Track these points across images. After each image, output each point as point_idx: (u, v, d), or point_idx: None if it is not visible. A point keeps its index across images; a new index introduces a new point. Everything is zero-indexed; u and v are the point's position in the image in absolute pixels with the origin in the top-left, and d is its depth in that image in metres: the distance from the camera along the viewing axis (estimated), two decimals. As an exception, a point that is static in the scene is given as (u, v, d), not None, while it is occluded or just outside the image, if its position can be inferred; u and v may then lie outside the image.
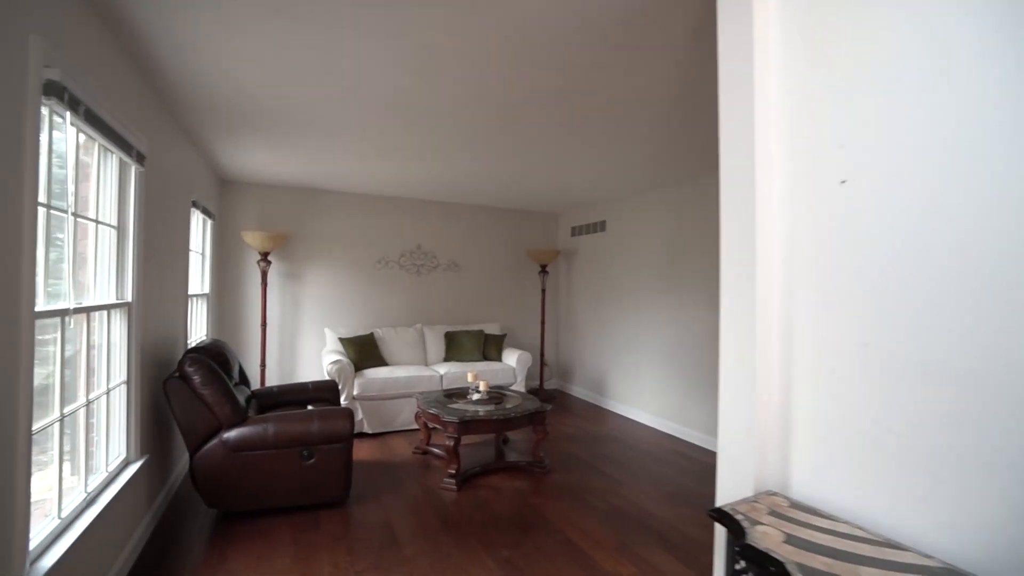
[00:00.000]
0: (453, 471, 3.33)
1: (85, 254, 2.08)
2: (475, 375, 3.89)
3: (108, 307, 2.14)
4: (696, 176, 4.35)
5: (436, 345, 5.42)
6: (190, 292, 3.74)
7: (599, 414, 5.32)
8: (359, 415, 4.41)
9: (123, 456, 2.30)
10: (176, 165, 3.15)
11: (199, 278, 4.29)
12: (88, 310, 1.92)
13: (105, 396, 2.18)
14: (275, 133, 3.31)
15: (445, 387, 4.80)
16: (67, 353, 1.89)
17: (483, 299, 6.19)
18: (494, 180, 4.70)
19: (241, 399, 3.03)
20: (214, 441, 2.64)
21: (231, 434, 2.66)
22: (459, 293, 6.05)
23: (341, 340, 4.86)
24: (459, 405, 3.63)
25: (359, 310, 5.52)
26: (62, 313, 1.67)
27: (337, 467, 2.87)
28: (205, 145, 3.62)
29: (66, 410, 1.77)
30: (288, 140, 3.47)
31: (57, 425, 1.70)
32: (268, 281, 5.08)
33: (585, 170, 4.20)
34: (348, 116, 2.95)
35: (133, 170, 2.36)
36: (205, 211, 4.02)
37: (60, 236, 1.78)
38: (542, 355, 6.14)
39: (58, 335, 1.70)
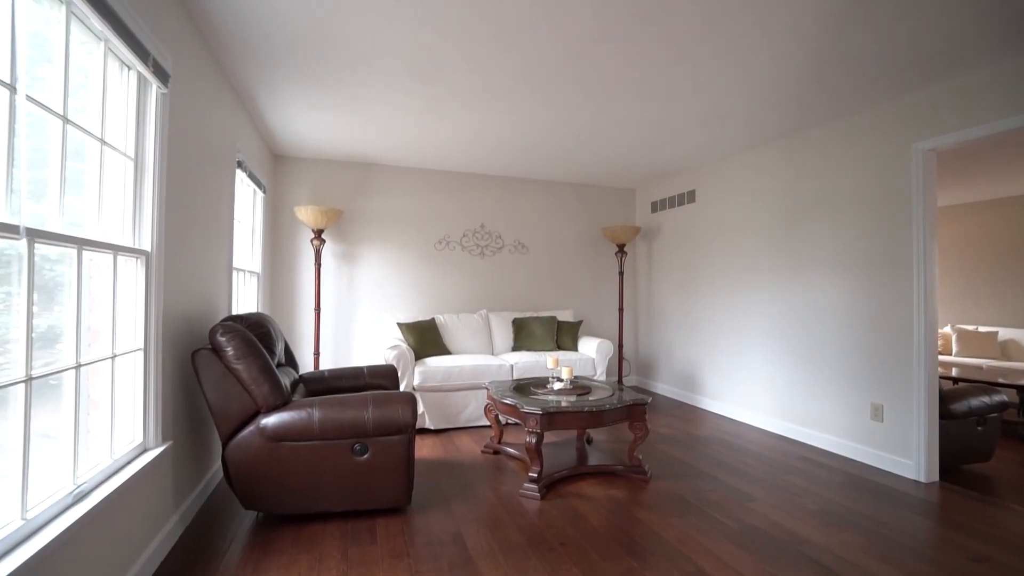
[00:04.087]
0: (535, 474, 2.70)
1: (85, 181, 1.64)
2: (556, 360, 3.26)
3: (114, 249, 1.69)
4: (818, 123, 3.50)
5: (503, 333, 4.84)
6: (236, 265, 3.36)
7: (692, 413, 4.52)
8: (420, 408, 3.88)
9: (137, 441, 1.85)
10: (215, 109, 2.75)
11: (248, 253, 3.95)
12: (70, 243, 1.46)
13: (110, 364, 1.73)
14: (321, 75, 2.85)
15: (516, 378, 4.20)
16: (62, 297, 1.44)
17: (553, 284, 5.55)
18: (565, 146, 4.06)
19: (286, 381, 2.56)
20: (250, 428, 2.16)
21: (270, 420, 2.17)
22: (527, 277, 5.45)
23: (400, 326, 4.38)
24: (540, 395, 3.01)
25: (418, 294, 5.04)
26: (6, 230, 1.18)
27: (396, 464, 2.32)
28: (246, 92, 3.23)
29: (37, 370, 1.30)
30: (337, 86, 3.01)
31: (22, 389, 1.23)
32: (322, 261, 4.71)
33: (673, 124, 3.47)
34: (400, 42, 2.42)
35: (154, 91, 1.92)
36: (254, 179, 3.66)
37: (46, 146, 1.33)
38: (620, 346, 5.40)
39: (23, 266, 1.24)
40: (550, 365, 3.24)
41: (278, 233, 4.63)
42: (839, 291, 3.46)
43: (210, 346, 2.17)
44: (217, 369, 2.12)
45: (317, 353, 4.47)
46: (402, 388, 3.83)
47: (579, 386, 3.21)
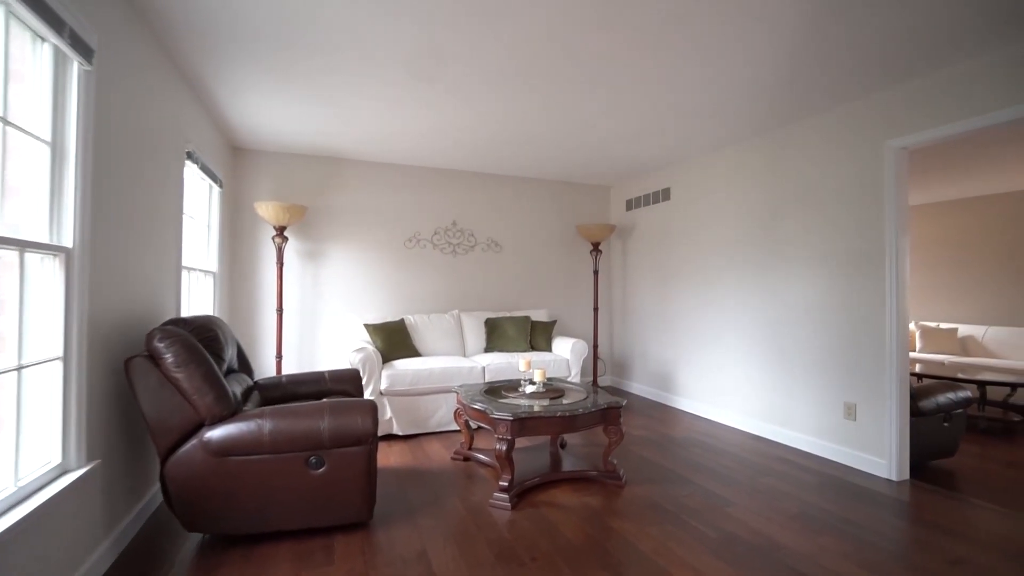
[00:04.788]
0: (506, 483, 2.57)
1: (-14, 167, 1.43)
2: (528, 362, 3.14)
3: (20, 245, 1.48)
4: (793, 120, 3.48)
5: (475, 333, 4.69)
6: (186, 264, 3.13)
7: (668, 414, 4.47)
8: (387, 413, 3.71)
9: (54, 463, 1.65)
10: (159, 95, 2.52)
11: (204, 251, 3.70)
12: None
13: (15, 376, 1.52)
14: (280, 64, 2.66)
15: (488, 380, 4.06)
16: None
17: (527, 283, 5.44)
18: (537, 142, 3.94)
19: (237, 389, 2.37)
20: (192, 442, 1.97)
21: (215, 433, 1.98)
22: (500, 276, 5.32)
23: (367, 327, 4.20)
24: (511, 399, 2.88)
25: (387, 294, 4.85)
26: None
27: (356, 478, 2.16)
28: (197, 79, 3.00)
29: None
30: (297, 76, 2.81)
31: None
32: (285, 260, 4.48)
33: (647, 120, 3.39)
34: (363, 31, 2.26)
35: (75, 68, 1.72)
36: (209, 172, 3.42)
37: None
38: (595, 346, 5.33)
39: None
40: (522, 368, 3.12)
41: (238, 230, 4.38)
42: (813, 289, 3.44)
43: (147, 353, 1.96)
44: (154, 378, 1.92)
45: (280, 357, 4.24)
46: (368, 392, 3.65)
47: (552, 389, 3.10)
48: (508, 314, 4.93)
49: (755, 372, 3.88)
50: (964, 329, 5.77)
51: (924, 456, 3.20)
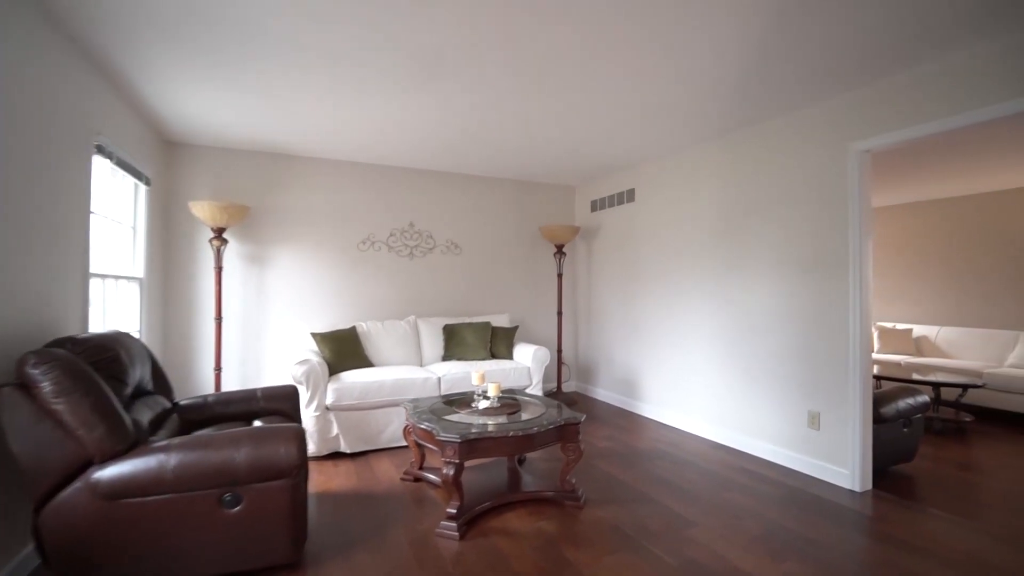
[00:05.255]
0: (454, 510, 2.37)
1: None
2: (482, 375, 2.93)
3: None
4: (757, 121, 3.39)
5: (433, 341, 4.46)
6: (97, 270, 2.80)
7: (633, 422, 4.35)
8: (333, 430, 3.45)
9: None
10: (52, 79, 2.20)
11: (130, 255, 3.36)
12: None
13: None
14: (207, 47, 2.37)
15: (444, 392, 3.85)
16: None
17: (489, 287, 5.23)
18: (497, 139, 3.73)
19: (145, 416, 2.08)
20: (76, 485, 1.68)
21: (106, 472, 1.70)
22: (461, 279, 5.10)
23: (315, 336, 3.91)
24: (461, 416, 2.68)
25: (339, 300, 4.57)
26: None
27: (279, 515, 1.91)
28: (109, 63, 2.68)
29: None
30: (230, 62, 2.53)
31: None
32: (225, 264, 4.15)
33: (610, 118, 3.24)
34: (299, 14, 2.01)
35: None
36: (130, 168, 3.09)
37: None
38: (559, 352, 5.17)
39: None
40: (475, 381, 2.91)
41: (172, 232, 4.02)
42: (776, 294, 3.36)
43: (18, 382, 1.67)
44: (26, 412, 1.63)
45: (219, 369, 3.90)
46: (312, 408, 3.38)
47: (508, 403, 2.91)
48: (468, 320, 4.71)
49: (720, 379, 3.79)
50: (918, 330, 5.88)
51: (885, 462, 3.16)
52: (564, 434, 2.62)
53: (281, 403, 2.74)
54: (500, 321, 4.82)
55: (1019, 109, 2.24)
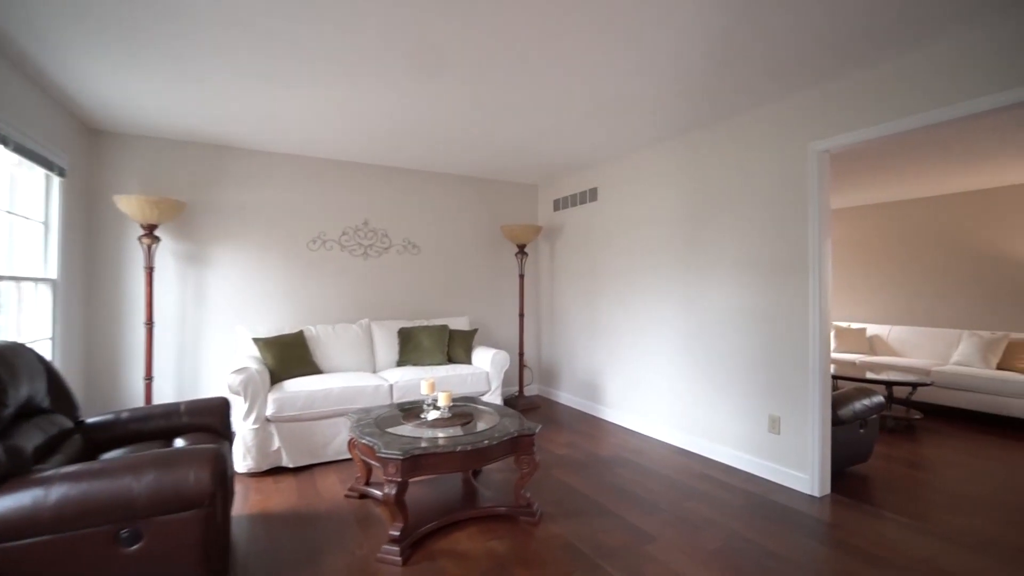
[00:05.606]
0: (397, 532, 2.18)
1: None
2: (432, 384, 2.75)
3: None
4: (718, 119, 3.33)
5: (387, 345, 4.24)
6: (-8, 271, 2.48)
7: (595, 426, 4.25)
8: (274, 443, 3.19)
9: None
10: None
11: (41, 254, 3.02)
12: None
13: None
14: (121, 22, 2.10)
15: (398, 400, 3.64)
16: None
17: (448, 288, 5.04)
18: (455, 134, 3.55)
19: (32, 441, 1.81)
20: (-72, 527, 1.42)
21: (-31, 510, 1.44)
22: (418, 281, 4.89)
23: (256, 342, 3.63)
24: (407, 429, 2.48)
25: (286, 302, 4.29)
26: None
27: (189, 552, 1.68)
28: (6, 38, 2.37)
29: None
30: (154, 41, 2.25)
31: None
32: (158, 264, 3.82)
33: (571, 113, 3.11)
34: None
35: None
36: (36, 158, 2.76)
37: None
38: (521, 355, 5.03)
39: None
40: (424, 390, 2.72)
41: (95, 229, 3.66)
42: (737, 296, 3.31)
43: None
44: None
45: (150, 379, 3.58)
46: (250, 421, 3.11)
47: (460, 413, 2.73)
48: (425, 323, 4.51)
49: (682, 383, 3.72)
50: (872, 329, 6.02)
51: (842, 464, 3.15)
52: (518, 446, 2.46)
53: (208, 417, 2.48)
54: (459, 324, 4.63)
55: (969, 112, 2.22)
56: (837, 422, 3.03)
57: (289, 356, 3.67)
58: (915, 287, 5.88)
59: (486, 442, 2.28)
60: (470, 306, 5.14)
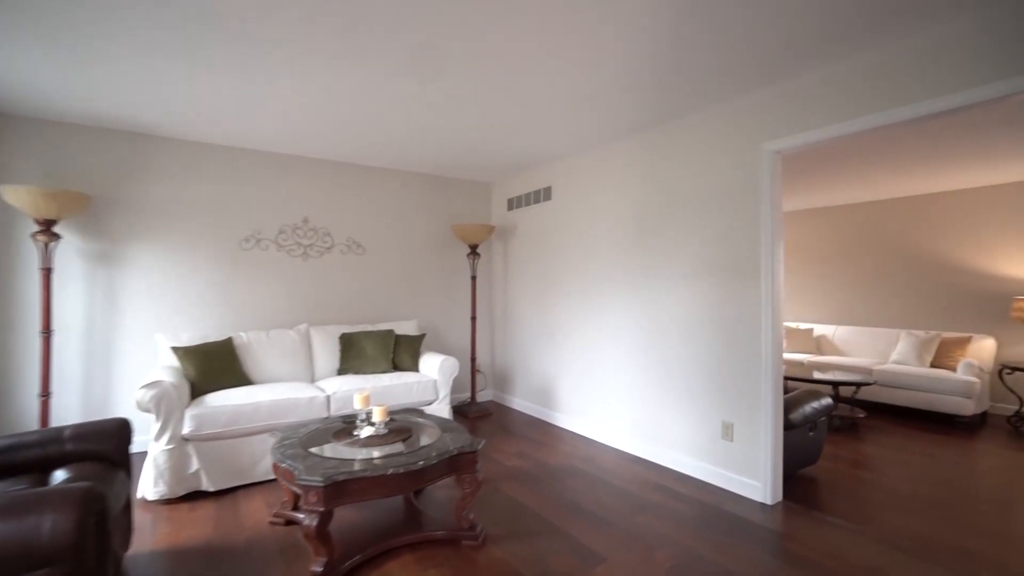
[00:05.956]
0: (319, 568, 1.94)
1: None
2: (366, 397, 2.50)
3: None
4: (672, 117, 3.25)
5: (327, 352, 3.95)
6: None
7: (549, 434, 4.10)
8: (193, 465, 2.86)
9: None
10: None
11: None
12: None
13: None
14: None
15: (336, 412, 3.37)
16: None
17: (396, 290, 4.78)
18: (401, 128, 3.31)
19: None
20: None
21: None
22: (363, 283, 4.60)
23: (176, 351, 3.27)
24: (335, 450, 2.24)
25: (215, 307, 3.92)
26: None
27: (48, 614, 1.39)
28: None
29: None
30: (40, 9, 1.92)
31: None
32: (59, 265, 3.40)
33: (523, 108, 2.95)
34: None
35: None
36: None
37: None
38: (473, 360, 4.83)
39: None
40: (358, 404, 2.48)
41: (-23, 224, 3.21)
42: (691, 299, 3.23)
43: None
44: None
45: (46, 396, 3.15)
46: (163, 441, 2.77)
47: (398, 429, 2.51)
48: (370, 327, 4.24)
49: (636, 389, 3.62)
50: (818, 329, 6.18)
51: (793, 467, 3.13)
52: (459, 465, 2.26)
53: (100, 443, 2.15)
54: (406, 328, 4.38)
55: (918, 113, 2.19)
56: (788, 426, 3.00)
57: (214, 366, 3.33)
58: (858, 288, 6.07)
59: (422, 463, 2.07)
60: (419, 309, 4.89)
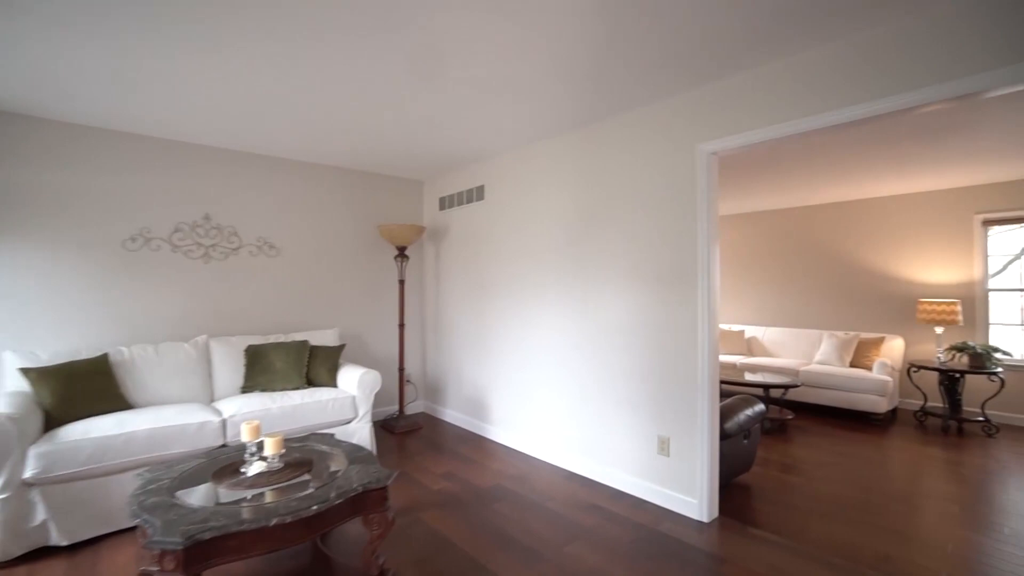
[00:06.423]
0: (181, 650, 1.56)
1: None
2: (255, 427, 2.12)
3: None
4: (609, 114, 3.09)
5: (230, 368, 3.47)
6: None
7: (482, 449, 3.84)
8: (38, 515, 2.33)
9: None
10: None
11: None
12: None
13: None
14: None
15: (232, 439, 2.92)
16: None
17: (313, 296, 4.33)
18: (328, 115, 2.92)
19: None
20: None
21: None
22: (276, 288, 4.13)
23: (27, 373, 2.71)
24: (208, 495, 1.85)
25: (90, 319, 3.33)
26: None
27: None
28: None
29: None
30: None
31: None
32: None
33: (449, 96, 2.67)
34: None
35: None
36: None
37: None
38: (401, 370, 4.47)
39: None
40: (245, 436, 2.09)
41: None
42: (629, 304, 3.08)
43: None
44: None
45: None
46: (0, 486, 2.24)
47: (296, 462, 2.15)
48: (283, 338, 3.79)
49: (572, 401, 3.43)
50: (749, 330, 6.33)
51: (728, 477, 3.06)
52: (365, 504, 1.95)
53: None
54: (325, 338, 3.97)
55: (852, 117, 2.13)
56: (724, 436, 2.91)
57: (82, 389, 2.80)
58: (787, 291, 6.27)
59: (316, 507, 1.74)
60: (342, 317, 4.48)
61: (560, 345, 3.51)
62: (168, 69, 2.46)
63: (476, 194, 4.31)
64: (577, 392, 3.37)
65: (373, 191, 4.69)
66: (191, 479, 2.00)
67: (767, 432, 4.41)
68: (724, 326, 6.58)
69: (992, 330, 4.90)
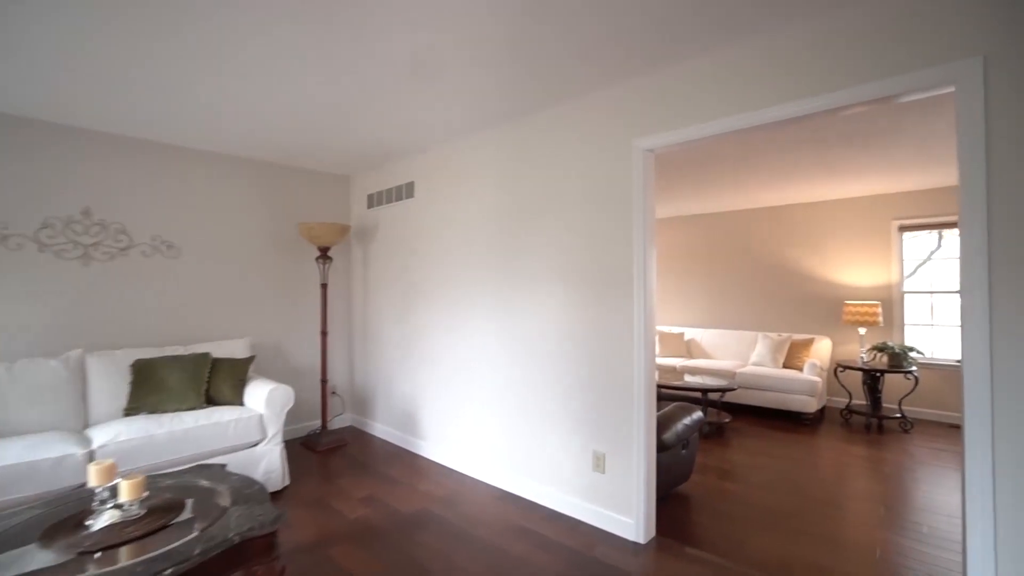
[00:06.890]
0: None
1: None
2: (106, 468, 1.73)
3: None
4: (541, 107, 2.89)
5: (111, 387, 2.98)
6: None
7: (411, 467, 3.54)
8: None
9: None
10: None
11: None
12: None
13: None
14: None
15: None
16: None
17: (220, 302, 3.86)
18: (234, 97, 2.53)
19: None
20: None
21: None
22: (175, 293, 3.63)
23: None
24: (37, 559, 1.46)
25: (-79, 331, 2.75)
26: None
27: None
28: None
29: None
30: None
31: None
32: None
33: (370, 74, 2.37)
34: None
35: None
36: None
37: None
38: (323, 382, 4.08)
39: None
40: (92, 481, 1.70)
41: None
42: (562, 310, 2.89)
43: None
44: None
45: None
46: None
47: (162, 507, 1.78)
48: (181, 351, 3.33)
49: (506, 414, 3.21)
50: (688, 332, 6.38)
51: (666, 488, 2.94)
52: (246, 555, 1.62)
53: None
54: (232, 349, 3.53)
55: (780, 116, 2.03)
56: (662, 448, 2.79)
57: (-101, 421, 2.26)
58: (725, 293, 6.36)
59: (170, 571, 1.40)
60: (255, 325, 4.03)
61: (493, 352, 3.28)
62: (42, 38, 2.01)
63: (406, 191, 4.00)
64: (512, 403, 3.15)
65: (293, 186, 4.27)
66: (16, 539, 1.59)
67: (705, 436, 4.38)
68: (664, 328, 6.60)
69: (907, 330, 5.15)
